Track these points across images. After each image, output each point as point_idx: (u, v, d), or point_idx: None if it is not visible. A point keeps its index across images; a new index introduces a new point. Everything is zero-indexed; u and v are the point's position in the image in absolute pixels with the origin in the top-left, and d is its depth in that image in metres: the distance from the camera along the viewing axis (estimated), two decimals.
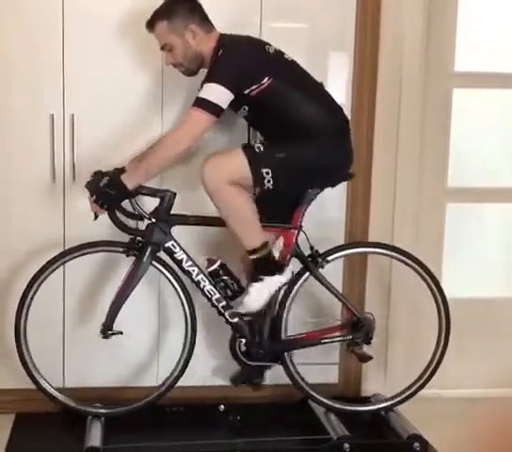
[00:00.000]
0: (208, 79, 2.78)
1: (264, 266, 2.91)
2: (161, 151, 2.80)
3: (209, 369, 3.32)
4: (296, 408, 3.28)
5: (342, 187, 3.24)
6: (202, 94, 2.75)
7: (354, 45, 3.27)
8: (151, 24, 2.88)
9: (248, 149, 2.84)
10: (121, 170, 2.90)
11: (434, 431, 3.12)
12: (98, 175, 2.90)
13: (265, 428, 3.15)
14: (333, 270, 3.22)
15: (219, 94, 2.73)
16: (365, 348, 3.17)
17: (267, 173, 2.80)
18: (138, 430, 3.06)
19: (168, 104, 3.17)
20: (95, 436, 2.94)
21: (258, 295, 2.91)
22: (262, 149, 2.83)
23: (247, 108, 2.89)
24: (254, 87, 2.80)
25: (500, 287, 3.65)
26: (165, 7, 2.88)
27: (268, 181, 2.81)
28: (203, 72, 2.88)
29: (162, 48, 2.90)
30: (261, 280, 2.90)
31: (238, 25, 3.03)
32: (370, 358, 3.13)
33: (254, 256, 2.89)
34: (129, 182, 2.81)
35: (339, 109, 2.96)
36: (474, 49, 3.46)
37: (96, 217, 2.88)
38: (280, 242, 3.02)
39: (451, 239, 3.53)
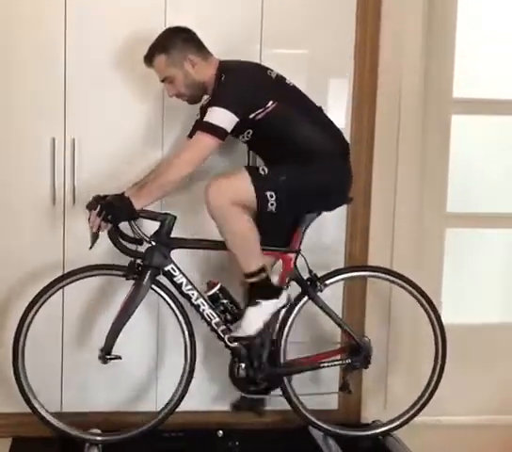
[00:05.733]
0: (212, 103, 2.79)
1: (261, 289, 2.91)
2: (167, 174, 2.80)
3: (208, 394, 3.30)
4: (295, 434, 3.26)
5: (341, 212, 3.26)
6: (207, 118, 2.76)
7: (353, 71, 3.30)
8: (149, 60, 2.88)
9: (252, 171, 2.84)
10: (121, 196, 2.88)
11: None
12: (96, 198, 2.89)
13: None
14: (333, 295, 3.23)
15: (224, 117, 2.74)
16: (364, 373, 3.17)
17: (271, 196, 2.80)
18: None
19: (168, 130, 3.19)
20: None
21: (254, 319, 2.90)
22: (266, 171, 2.83)
23: (250, 132, 2.90)
24: (259, 111, 2.81)
25: (500, 313, 3.65)
26: (160, 40, 2.88)
27: (272, 204, 2.81)
28: None
29: (162, 81, 2.91)
30: (257, 303, 2.90)
31: (238, 52, 3.05)
32: (349, 392, 3.11)
33: (251, 280, 2.90)
34: (134, 203, 2.80)
35: (339, 133, 2.98)
36: (473, 76, 3.49)
37: (92, 244, 2.84)
38: (279, 265, 3.03)
39: (450, 264, 3.53)
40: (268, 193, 2.80)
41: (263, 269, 2.90)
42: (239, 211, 2.80)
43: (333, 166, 2.91)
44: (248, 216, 2.84)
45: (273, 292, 2.93)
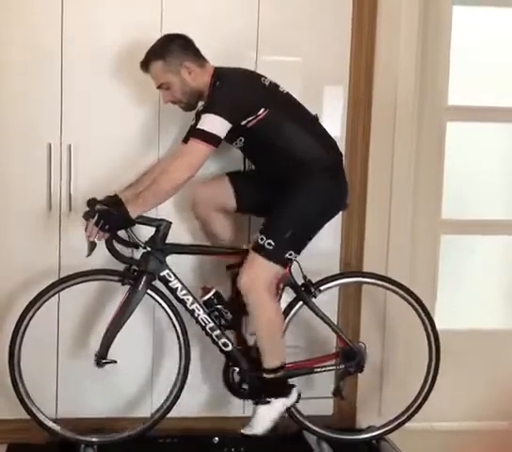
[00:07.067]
0: (206, 110, 2.80)
1: (276, 387, 2.93)
2: (162, 182, 2.80)
3: (203, 400, 3.30)
4: (290, 440, 3.26)
5: (336, 218, 3.24)
6: (201, 125, 2.77)
7: (348, 79, 3.32)
8: (145, 65, 2.89)
9: (261, 251, 2.83)
10: (115, 197, 2.92)
11: None
12: (92, 202, 2.91)
13: None
14: (328, 301, 3.24)
15: (217, 124, 2.75)
16: (359, 378, 3.17)
17: (290, 254, 2.86)
18: None
19: (164, 136, 3.20)
20: None
21: (265, 418, 2.91)
22: (272, 243, 2.82)
23: (242, 140, 2.92)
24: (251, 118, 2.82)
25: (494, 319, 3.65)
26: (157, 46, 2.88)
27: (295, 256, 2.88)
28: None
29: (158, 87, 2.92)
30: (268, 402, 2.91)
31: (234, 59, 3.07)
32: (341, 397, 3.11)
33: (269, 376, 2.91)
34: (130, 212, 2.80)
35: (333, 143, 2.98)
36: (467, 83, 3.51)
37: (90, 252, 2.84)
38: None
39: (445, 270, 3.54)
40: (286, 256, 2.85)
41: (283, 367, 2.92)
42: (272, 300, 2.86)
43: (329, 180, 2.91)
44: (279, 306, 2.92)
45: (285, 390, 2.94)
